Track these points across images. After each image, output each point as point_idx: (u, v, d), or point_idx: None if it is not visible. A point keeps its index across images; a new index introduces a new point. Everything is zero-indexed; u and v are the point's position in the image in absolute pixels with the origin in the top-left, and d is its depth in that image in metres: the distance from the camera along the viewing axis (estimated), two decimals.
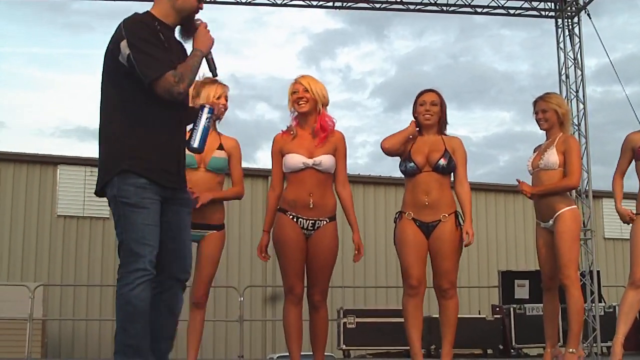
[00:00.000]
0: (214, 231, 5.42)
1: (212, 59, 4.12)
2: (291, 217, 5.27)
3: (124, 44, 3.86)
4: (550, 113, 5.84)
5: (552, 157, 5.73)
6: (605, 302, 13.88)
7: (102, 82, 4.06)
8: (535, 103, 5.95)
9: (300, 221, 5.25)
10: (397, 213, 5.53)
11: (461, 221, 5.48)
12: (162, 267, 4.06)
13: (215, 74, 4.21)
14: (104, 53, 4.02)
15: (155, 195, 3.93)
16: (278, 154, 5.38)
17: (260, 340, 19.23)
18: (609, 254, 22.35)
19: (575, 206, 5.75)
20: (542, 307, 5.96)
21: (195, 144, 4.13)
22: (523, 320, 13.12)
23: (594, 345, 12.82)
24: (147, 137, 3.94)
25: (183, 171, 4.18)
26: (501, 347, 13.28)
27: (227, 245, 18.77)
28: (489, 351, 13.27)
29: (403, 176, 5.57)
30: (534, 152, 5.97)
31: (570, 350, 5.48)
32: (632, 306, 5.78)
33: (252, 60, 50.04)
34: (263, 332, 19.22)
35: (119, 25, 3.95)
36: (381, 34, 53.33)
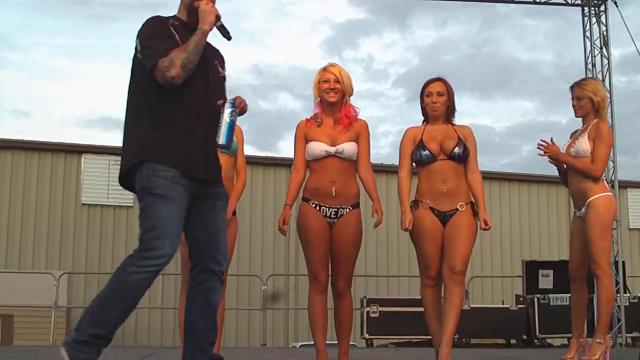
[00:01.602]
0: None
1: (222, 25, 4.11)
2: (314, 205, 5.26)
3: (136, 42, 4.00)
4: (584, 100, 5.71)
5: (584, 144, 5.62)
6: (630, 293, 13.80)
7: (129, 81, 4.15)
8: (571, 89, 5.83)
9: (323, 209, 5.24)
10: (412, 201, 5.45)
11: (477, 210, 5.41)
12: (196, 261, 4.10)
13: (229, 38, 4.17)
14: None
15: (184, 190, 3.94)
16: (302, 138, 5.37)
17: (283, 329, 19.29)
18: (633, 245, 22.20)
19: (609, 193, 5.60)
20: (570, 297, 5.88)
21: (220, 140, 4.07)
22: (547, 310, 13.06)
23: (619, 335, 12.75)
24: (167, 129, 3.96)
25: (213, 163, 4.17)
26: (525, 337, 13.23)
27: (251, 235, 19.03)
28: (513, 341, 13.22)
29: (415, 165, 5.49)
30: (570, 137, 5.85)
31: (598, 340, 5.41)
32: None
33: (274, 50, 50.15)
34: (286, 321, 19.27)
35: None
36: (403, 24, 53.24)
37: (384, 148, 50.24)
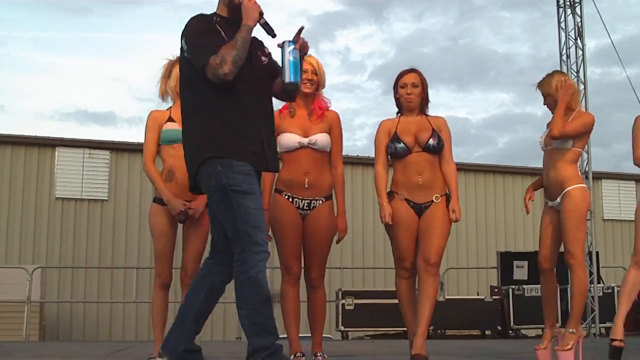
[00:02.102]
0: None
1: (266, 22, 4.12)
2: (287, 197, 5.23)
3: (183, 42, 4.07)
4: (549, 99, 5.70)
5: None
6: (603, 283, 13.90)
7: (180, 81, 4.25)
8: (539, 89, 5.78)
9: (296, 201, 5.21)
10: (387, 193, 5.42)
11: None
12: (216, 252, 4.19)
13: (273, 36, 4.18)
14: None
15: (256, 181, 4.05)
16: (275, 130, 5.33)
17: None
18: (607, 235, 22.35)
19: (584, 185, 5.59)
20: (540, 288, 5.88)
21: (287, 78, 4.10)
22: (522, 301, 13.14)
23: (593, 325, 12.83)
24: (226, 125, 4.01)
25: (271, 152, 4.20)
26: (499, 328, 13.29)
27: None
28: (487, 332, 13.28)
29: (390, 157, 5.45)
30: (547, 128, 5.81)
31: (571, 330, 5.41)
32: (635, 286, 5.72)
33: None
34: None
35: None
36: (380, 15, 53.31)
37: (360, 140, 50.35)
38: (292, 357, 5.22)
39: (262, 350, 3.87)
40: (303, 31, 4.23)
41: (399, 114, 5.51)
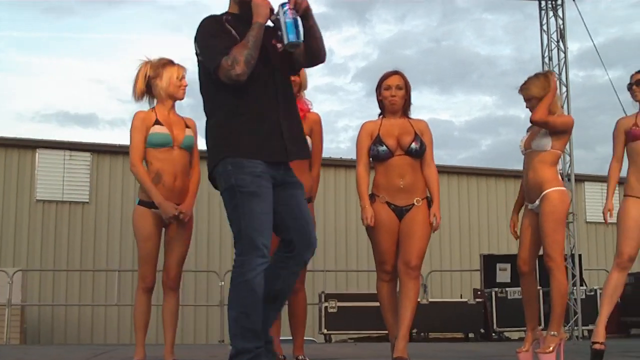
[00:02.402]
0: None
1: (277, 19, 4.03)
2: None
3: (195, 45, 4.06)
4: (533, 101, 5.69)
5: (544, 138, 5.59)
6: (586, 286, 13.92)
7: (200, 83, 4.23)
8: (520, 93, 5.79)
9: None
10: (369, 195, 5.39)
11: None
12: (289, 245, 4.10)
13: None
14: None
15: (269, 183, 3.98)
16: None
17: None
18: (590, 238, 22.43)
19: (563, 188, 5.60)
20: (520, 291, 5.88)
21: (286, 40, 3.95)
22: (504, 304, 13.14)
23: (575, 328, 12.86)
24: (235, 124, 3.99)
25: (291, 142, 4.10)
26: (482, 330, 13.29)
27: (208, 230, 18.66)
28: (470, 335, 13.27)
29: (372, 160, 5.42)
30: (528, 131, 5.82)
31: (552, 333, 5.41)
32: (617, 288, 5.74)
33: None
34: None
35: None
36: (363, 17, 53.39)
37: (344, 142, 50.36)
38: None
39: (245, 353, 3.84)
40: None
41: (381, 116, 5.50)
